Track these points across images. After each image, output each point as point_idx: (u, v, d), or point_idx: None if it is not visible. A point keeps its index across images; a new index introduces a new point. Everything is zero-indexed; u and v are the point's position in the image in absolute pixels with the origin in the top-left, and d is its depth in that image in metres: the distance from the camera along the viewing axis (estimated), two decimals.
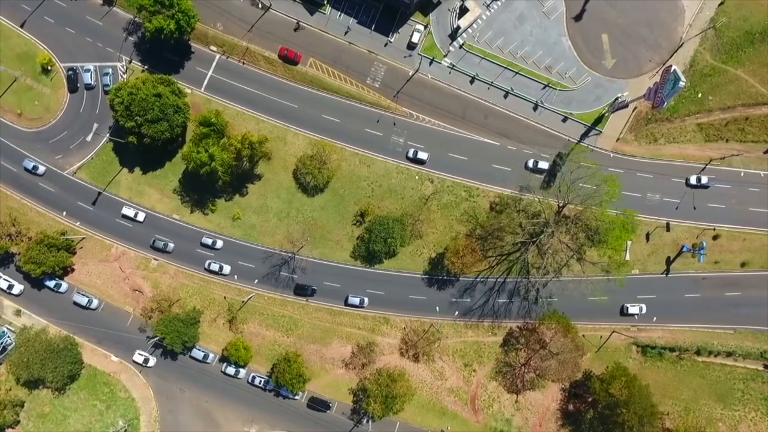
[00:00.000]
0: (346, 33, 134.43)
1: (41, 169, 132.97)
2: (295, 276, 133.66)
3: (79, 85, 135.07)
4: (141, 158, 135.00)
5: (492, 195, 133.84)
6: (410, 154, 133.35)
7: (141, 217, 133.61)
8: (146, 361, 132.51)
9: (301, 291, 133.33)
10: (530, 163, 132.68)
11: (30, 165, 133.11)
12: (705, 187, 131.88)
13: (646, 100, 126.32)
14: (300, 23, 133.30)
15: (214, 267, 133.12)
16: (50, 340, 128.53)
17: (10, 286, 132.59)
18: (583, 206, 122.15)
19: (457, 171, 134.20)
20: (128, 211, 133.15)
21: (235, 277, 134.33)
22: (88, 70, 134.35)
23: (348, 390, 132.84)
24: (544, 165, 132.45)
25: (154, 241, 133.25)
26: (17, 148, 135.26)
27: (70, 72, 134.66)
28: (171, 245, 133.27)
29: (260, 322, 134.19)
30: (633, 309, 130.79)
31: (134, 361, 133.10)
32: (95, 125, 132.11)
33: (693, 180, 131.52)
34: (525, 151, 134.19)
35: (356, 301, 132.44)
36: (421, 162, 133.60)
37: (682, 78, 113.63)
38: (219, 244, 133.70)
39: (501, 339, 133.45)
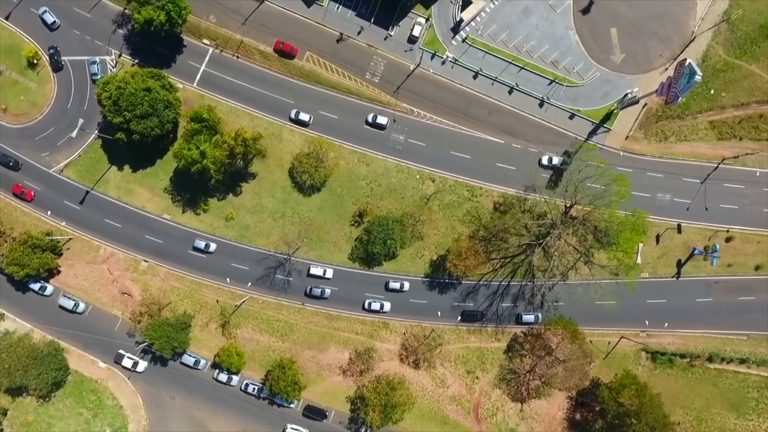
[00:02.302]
0: (359, 33, 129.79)
1: (212, 246, 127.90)
2: (291, 279, 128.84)
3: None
4: (131, 156, 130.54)
5: (496, 195, 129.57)
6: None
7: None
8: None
9: (471, 317, 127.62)
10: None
11: (201, 244, 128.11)
12: (556, 167, 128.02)
13: (658, 95, 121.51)
14: (343, 35, 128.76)
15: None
16: (34, 346, 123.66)
17: (135, 364, 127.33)
18: (592, 207, 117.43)
19: (459, 170, 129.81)
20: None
21: (228, 279, 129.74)
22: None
23: (345, 398, 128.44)
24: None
25: (310, 289, 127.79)
26: (1, 144, 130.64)
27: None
28: (328, 291, 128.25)
29: (254, 326, 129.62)
30: None
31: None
32: (81, 121, 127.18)
33: (545, 161, 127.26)
34: (531, 149, 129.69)
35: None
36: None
37: (698, 71, 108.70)
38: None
39: (505, 345, 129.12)
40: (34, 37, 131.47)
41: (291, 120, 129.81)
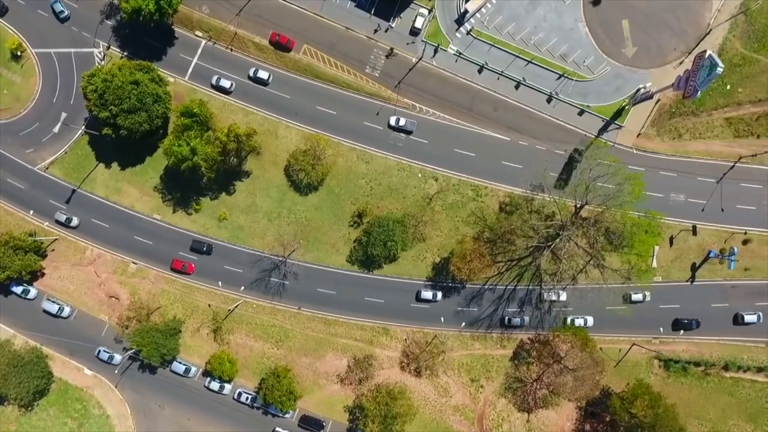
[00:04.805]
0: (375, 32, 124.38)
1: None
2: (287, 282, 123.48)
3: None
4: (119, 153, 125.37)
5: (502, 194, 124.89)
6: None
7: None
8: None
9: (684, 326, 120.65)
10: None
11: (429, 294, 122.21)
12: (408, 132, 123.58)
13: (675, 89, 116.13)
14: (393, 50, 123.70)
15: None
16: (15, 352, 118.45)
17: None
18: (603, 207, 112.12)
19: (463, 168, 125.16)
20: None
21: (220, 283, 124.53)
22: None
23: (343, 408, 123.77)
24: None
25: (509, 319, 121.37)
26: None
27: None
28: (527, 319, 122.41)
29: (248, 332, 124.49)
30: None
31: None
32: (63, 115, 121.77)
33: (392, 121, 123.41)
34: (538, 147, 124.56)
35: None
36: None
37: (720, 63, 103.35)
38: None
39: (511, 352, 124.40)
40: (17, 28, 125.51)
41: (212, 86, 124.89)
